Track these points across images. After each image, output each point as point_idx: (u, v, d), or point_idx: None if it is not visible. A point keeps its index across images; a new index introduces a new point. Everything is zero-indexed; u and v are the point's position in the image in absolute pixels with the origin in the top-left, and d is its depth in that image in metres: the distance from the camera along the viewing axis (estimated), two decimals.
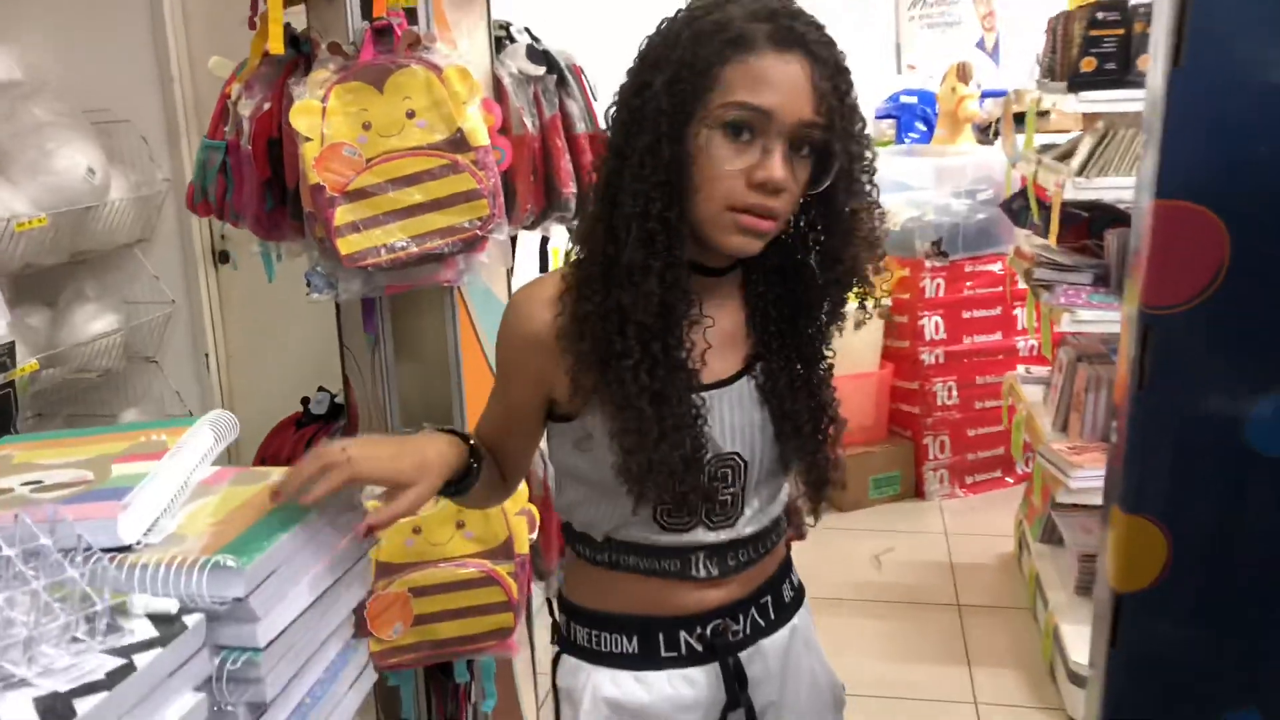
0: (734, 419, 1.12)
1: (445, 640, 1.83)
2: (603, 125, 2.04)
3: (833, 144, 1.02)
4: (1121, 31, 2.23)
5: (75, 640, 0.70)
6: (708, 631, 1.17)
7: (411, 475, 0.97)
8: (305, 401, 2.27)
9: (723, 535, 1.15)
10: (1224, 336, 1.02)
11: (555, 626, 1.30)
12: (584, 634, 1.20)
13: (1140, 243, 1.03)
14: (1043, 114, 3.06)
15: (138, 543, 0.81)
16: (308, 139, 1.72)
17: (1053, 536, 2.94)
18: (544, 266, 2.49)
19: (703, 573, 1.16)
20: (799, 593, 1.29)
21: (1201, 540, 1.09)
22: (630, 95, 1.04)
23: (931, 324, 3.82)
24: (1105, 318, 2.35)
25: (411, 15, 1.80)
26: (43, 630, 0.69)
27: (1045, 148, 2.79)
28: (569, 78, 2.06)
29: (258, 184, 1.94)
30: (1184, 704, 1.17)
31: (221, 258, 3.11)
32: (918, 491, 3.85)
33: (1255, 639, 1.10)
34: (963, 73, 4.20)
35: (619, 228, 1.03)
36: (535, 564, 2.00)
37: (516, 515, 1.86)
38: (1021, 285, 3.77)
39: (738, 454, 1.13)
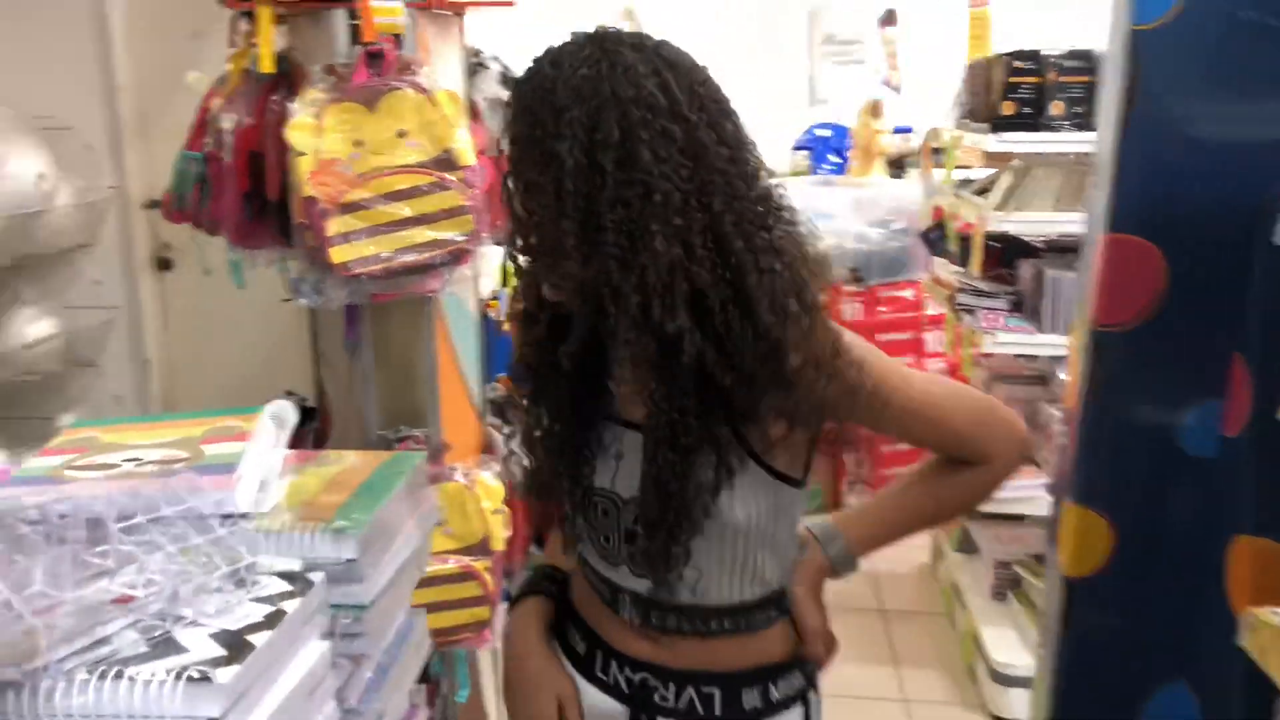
0: (631, 468, 1.07)
1: None
2: None
3: None
4: (1037, 79, 2.48)
5: (220, 592, 0.80)
6: (635, 678, 1.14)
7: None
8: None
9: (643, 588, 1.10)
10: (1160, 354, 1.20)
11: None
12: (559, 619, 1.23)
13: (1091, 270, 1.21)
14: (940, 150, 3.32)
15: (248, 512, 0.91)
16: (302, 154, 1.80)
17: (968, 546, 3.17)
18: (505, 280, 2.60)
19: (627, 615, 1.14)
20: (773, 711, 1.15)
21: (1141, 530, 1.27)
22: None
23: None
24: (1021, 340, 2.59)
25: (398, 40, 1.91)
26: (197, 583, 0.78)
27: (963, 182, 3.04)
28: None
29: (238, 195, 2.01)
30: (1124, 678, 1.34)
31: (163, 264, 3.13)
32: (836, 504, 4.06)
33: (1185, 618, 1.28)
34: (876, 109, 4.48)
35: None
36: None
37: (494, 514, 1.97)
38: (935, 310, 4.05)
39: (635, 499, 1.06)
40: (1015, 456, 1.16)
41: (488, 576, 1.96)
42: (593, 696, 1.17)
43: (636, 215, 0.94)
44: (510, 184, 1.03)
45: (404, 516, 1.00)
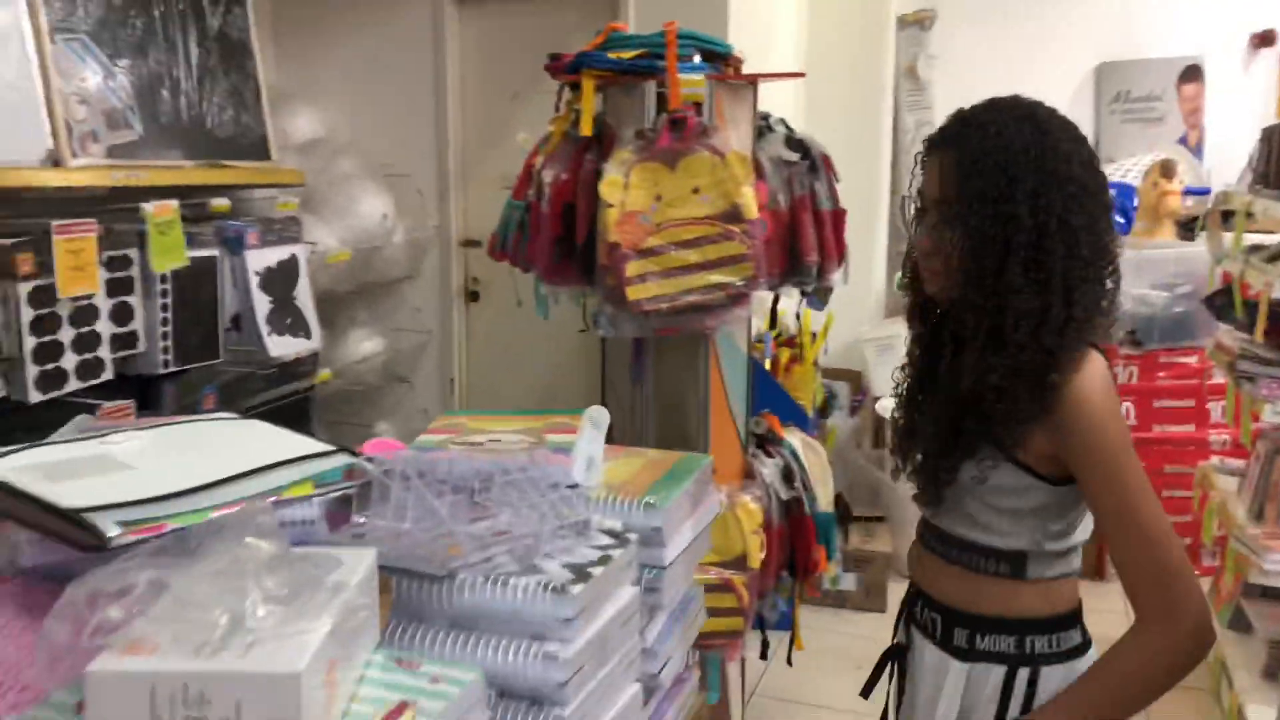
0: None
1: None
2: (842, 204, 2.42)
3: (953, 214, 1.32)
4: None
5: (566, 538, 1.08)
6: (911, 591, 1.52)
7: None
8: None
9: (921, 508, 1.48)
10: None
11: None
12: None
13: None
14: (1248, 215, 3.27)
15: (581, 484, 1.20)
16: (610, 205, 2.14)
17: (1240, 623, 3.08)
18: (773, 321, 2.86)
19: (917, 531, 1.50)
20: (976, 658, 1.40)
21: None
22: None
23: (1122, 410, 4.00)
24: None
25: (698, 108, 2.22)
26: (550, 528, 1.07)
27: (1253, 248, 3.00)
28: (818, 164, 2.44)
29: (551, 239, 2.38)
30: None
31: (472, 296, 3.63)
32: (1098, 573, 4.00)
33: None
34: (1167, 169, 4.40)
35: None
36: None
37: (752, 534, 2.21)
38: (1219, 379, 3.94)
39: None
40: (1164, 632, 1.24)
41: (744, 590, 2.20)
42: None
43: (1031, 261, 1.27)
44: (934, 213, 1.34)
45: (695, 501, 1.27)
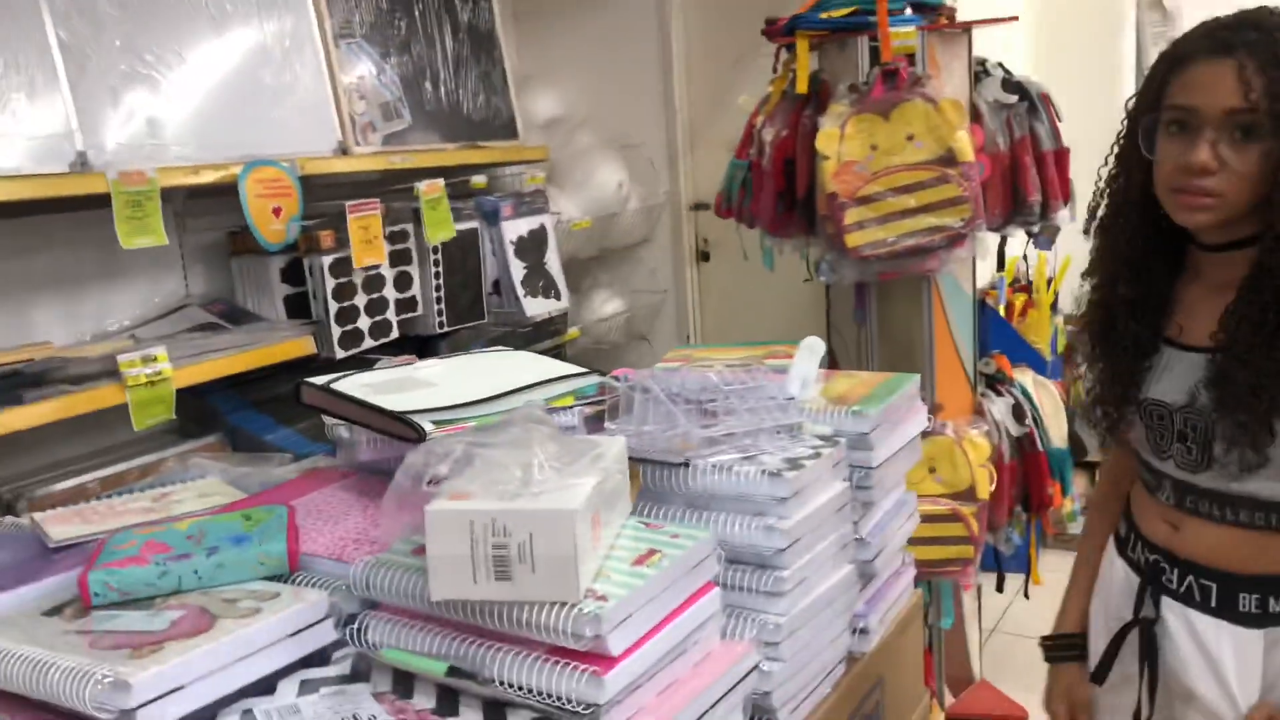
0: (1180, 381, 1.35)
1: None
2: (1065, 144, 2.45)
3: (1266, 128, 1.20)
4: None
5: (782, 438, 1.28)
6: (1150, 558, 1.43)
7: None
8: None
9: (1185, 475, 1.37)
10: None
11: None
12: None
13: None
14: None
15: (795, 398, 1.39)
16: (827, 158, 2.30)
17: None
18: (1001, 264, 2.93)
19: (1165, 496, 1.41)
20: (1271, 623, 1.31)
21: None
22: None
23: None
24: None
25: (910, 59, 2.34)
26: (769, 429, 1.28)
27: None
28: (1038, 104, 2.50)
29: (773, 194, 2.57)
30: None
31: (703, 256, 3.86)
32: None
33: None
34: None
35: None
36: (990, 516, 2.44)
37: (980, 467, 2.33)
38: None
39: (1184, 407, 1.33)
40: None
41: (973, 521, 2.33)
42: (1120, 570, 1.50)
43: None
44: (1222, 127, 1.23)
45: (902, 413, 1.43)
